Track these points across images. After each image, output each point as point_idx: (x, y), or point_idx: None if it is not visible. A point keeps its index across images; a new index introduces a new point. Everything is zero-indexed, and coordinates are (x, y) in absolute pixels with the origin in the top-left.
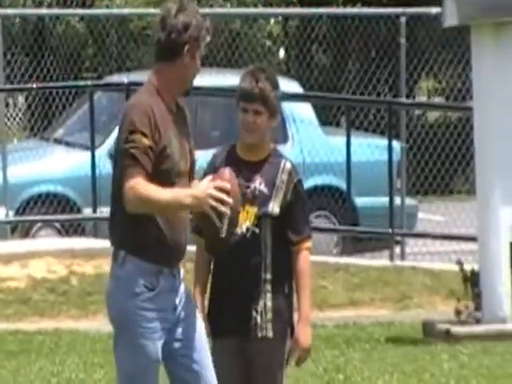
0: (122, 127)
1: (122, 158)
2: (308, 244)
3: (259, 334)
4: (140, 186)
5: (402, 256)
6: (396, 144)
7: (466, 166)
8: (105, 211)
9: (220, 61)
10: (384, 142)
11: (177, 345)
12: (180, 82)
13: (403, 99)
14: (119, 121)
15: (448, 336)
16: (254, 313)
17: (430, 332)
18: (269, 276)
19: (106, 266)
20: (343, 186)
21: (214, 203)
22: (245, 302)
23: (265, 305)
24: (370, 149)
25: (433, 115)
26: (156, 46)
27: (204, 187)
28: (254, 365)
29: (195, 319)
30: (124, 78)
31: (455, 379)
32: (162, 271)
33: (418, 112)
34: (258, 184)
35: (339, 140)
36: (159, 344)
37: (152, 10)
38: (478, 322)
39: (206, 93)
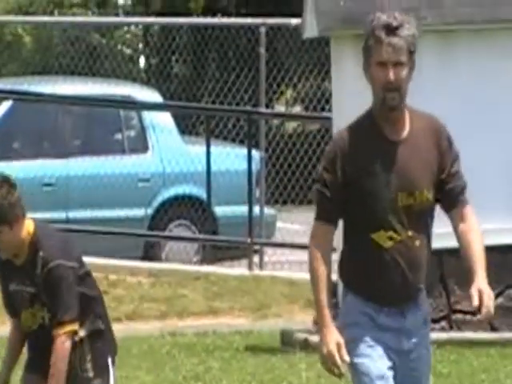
0: None
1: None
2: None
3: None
4: (316, 252)
5: (261, 265)
6: (255, 153)
7: None
8: None
9: (81, 69)
10: (244, 151)
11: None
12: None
13: (262, 109)
14: None
15: (306, 345)
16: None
17: (288, 341)
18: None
19: None
20: (203, 195)
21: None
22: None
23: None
24: (230, 158)
25: (291, 125)
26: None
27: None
28: None
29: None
30: None
31: None
32: (381, 309)
33: (276, 122)
34: None
35: (199, 149)
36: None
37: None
38: None
39: (68, 101)
